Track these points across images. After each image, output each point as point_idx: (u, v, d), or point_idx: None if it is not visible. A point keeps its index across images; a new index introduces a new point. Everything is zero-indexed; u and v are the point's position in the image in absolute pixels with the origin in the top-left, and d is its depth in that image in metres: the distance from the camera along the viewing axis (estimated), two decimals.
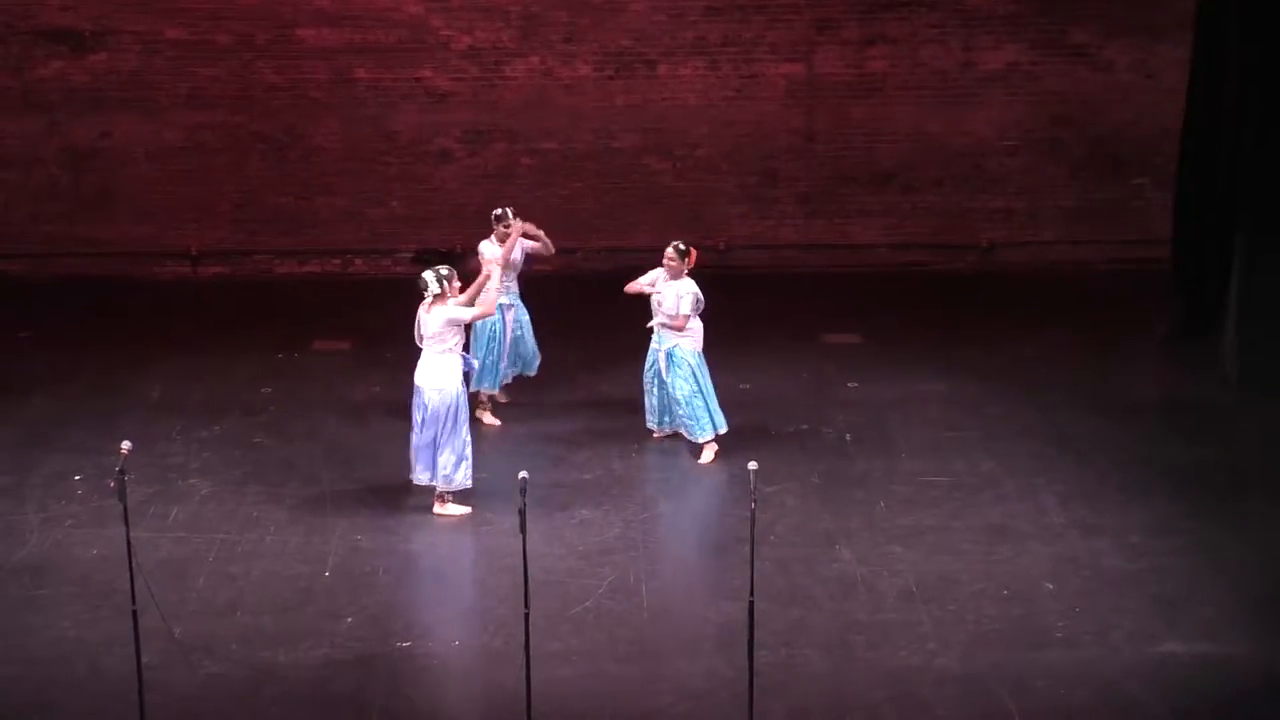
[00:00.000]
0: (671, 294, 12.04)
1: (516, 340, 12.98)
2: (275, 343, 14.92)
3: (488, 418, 12.87)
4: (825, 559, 10.77)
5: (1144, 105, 16.62)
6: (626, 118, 16.81)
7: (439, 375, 11.17)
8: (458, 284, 11.33)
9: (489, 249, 12.76)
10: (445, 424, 11.17)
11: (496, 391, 12.99)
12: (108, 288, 16.49)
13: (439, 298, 11.20)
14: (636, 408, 12.68)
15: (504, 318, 12.80)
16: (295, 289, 16.72)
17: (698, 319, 12.10)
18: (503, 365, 12.90)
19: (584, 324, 14.91)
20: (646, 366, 12.30)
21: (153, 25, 16.49)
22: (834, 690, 9.30)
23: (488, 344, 12.78)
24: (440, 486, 11.31)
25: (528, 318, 13.10)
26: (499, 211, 13.04)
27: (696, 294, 12.05)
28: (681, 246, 12.20)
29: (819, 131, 16.86)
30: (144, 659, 8.89)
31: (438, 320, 11.17)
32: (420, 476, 11.40)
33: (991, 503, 11.56)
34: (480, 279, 11.59)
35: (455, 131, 16.86)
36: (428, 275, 11.25)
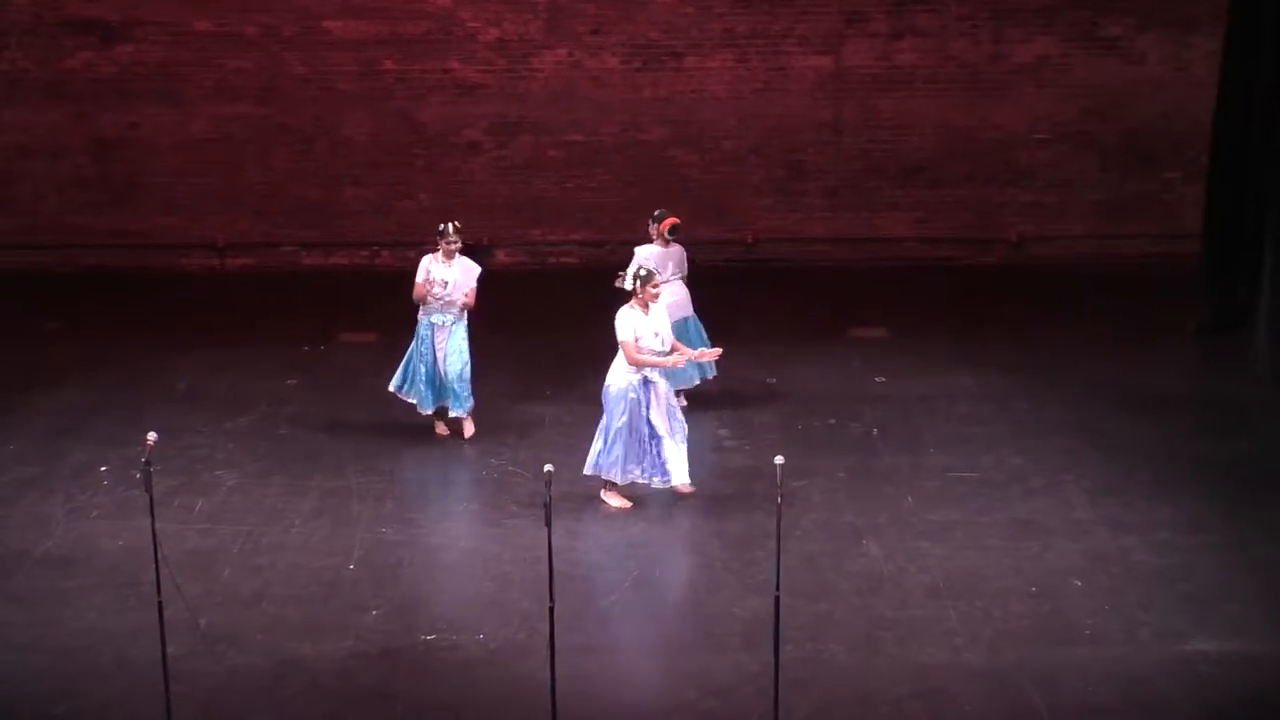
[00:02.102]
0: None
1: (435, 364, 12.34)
2: (301, 335, 14.96)
3: (439, 427, 12.58)
4: (852, 554, 10.75)
5: (1176, 98, 16.53)
6: (654, 110, 16.79)
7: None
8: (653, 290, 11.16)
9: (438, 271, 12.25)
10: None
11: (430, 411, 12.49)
12: (134, 279, 16.55)
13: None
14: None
15: (433, 336, 12.32)
16: (321, 281, 16.76)
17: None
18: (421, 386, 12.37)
19: (609, 316, 14.88)
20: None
21: (180, 16, 16.53)
22: (860, 686, 9.28)
23: (410, 360, 12.41)
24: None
25: (459, 350, 12.31)
26: (442, 227, 12.31)
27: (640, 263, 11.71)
28: (656, 212, 12.47)
29: (847, 124, 16.81)
30: (169, 650, 8.92)
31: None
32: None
33: (1019, 498, 11.52)
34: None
35: (482, 123, 16.86)
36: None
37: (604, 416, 11.23)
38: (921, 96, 16.69)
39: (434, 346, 12.28)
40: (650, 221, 12.83)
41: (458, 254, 12.19)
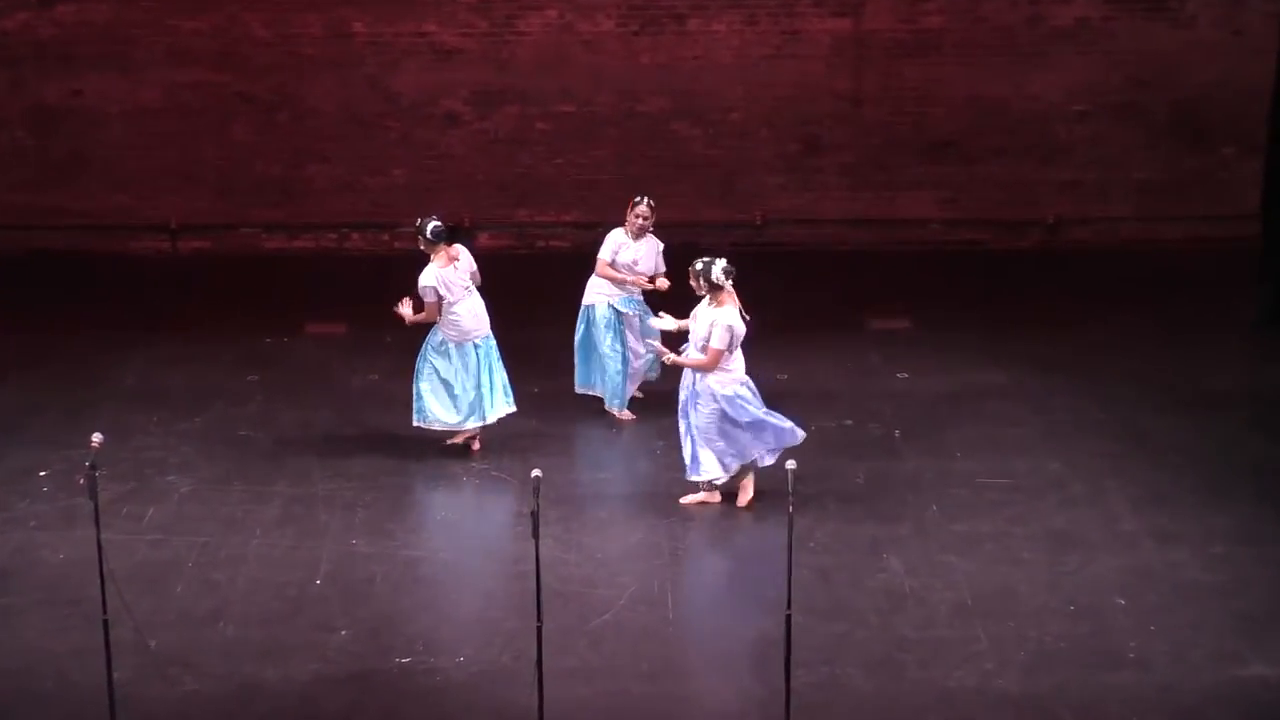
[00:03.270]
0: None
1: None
2: (263, 326, 14.96)
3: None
4: (871, 569, 10.75)
5: (1230, 65, 16.53)
6: (653, 78, 16.77)
7: None
8: None
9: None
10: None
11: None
12: (78, 263, 16.53)
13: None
14: (661, 399, 12.64)
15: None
16: (285, 266, 16.75)
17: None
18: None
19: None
20: None
21: None
22: (880, 714, 9.27)
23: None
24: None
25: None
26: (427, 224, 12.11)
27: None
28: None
29: (867, 94, 16.80)
30: (116, 673, 8.91)
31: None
32: None
33: (1056, 507, 11.53)
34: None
35: (463, 93, 16.85)
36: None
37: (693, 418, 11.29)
38: (950, 63, 16.69)
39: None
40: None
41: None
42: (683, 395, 11.47)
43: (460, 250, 12.11)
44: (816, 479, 11.75)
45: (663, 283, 12.73)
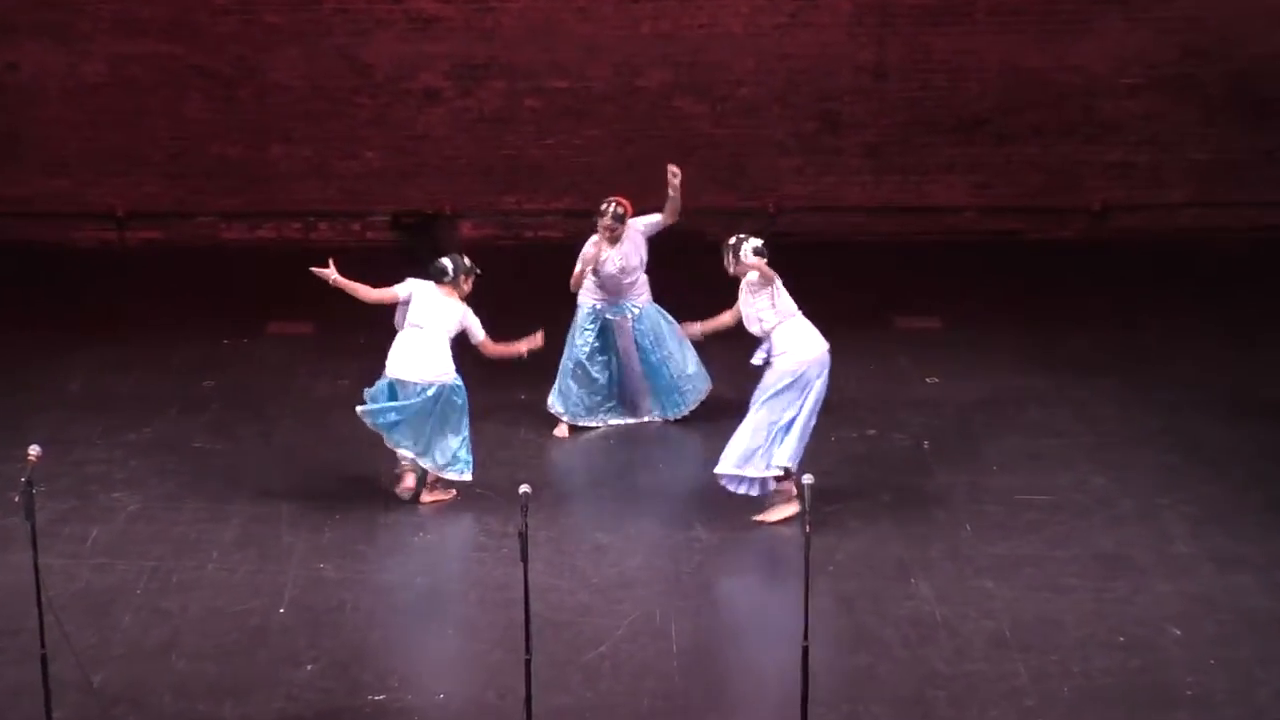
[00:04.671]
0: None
1: None
2: (220, 325, 14.95)
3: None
4: (898, 595, 10.74)
5: None
6: (654, 49, 16.77)
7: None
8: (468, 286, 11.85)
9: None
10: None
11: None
12: (13, 256, 16.52)
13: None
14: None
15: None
16: (246, 259, 16.76)
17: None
18: None
19: None
20: None
21: None
22: None
23: None
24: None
25: None
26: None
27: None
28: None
29: (892, 67, 16.79)
30: (55, 713, 8.89)
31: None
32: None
33: (1103, 527, 11.52)
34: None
35: (443, 66, 16.84)
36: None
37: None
38: (983, 32, 16.69)
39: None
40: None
41: None
42: (769, 390, 11.43)
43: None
44: (837, 495, 11.74)
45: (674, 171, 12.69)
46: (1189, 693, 9.72)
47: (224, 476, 12.27)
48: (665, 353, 12.87)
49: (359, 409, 11.78)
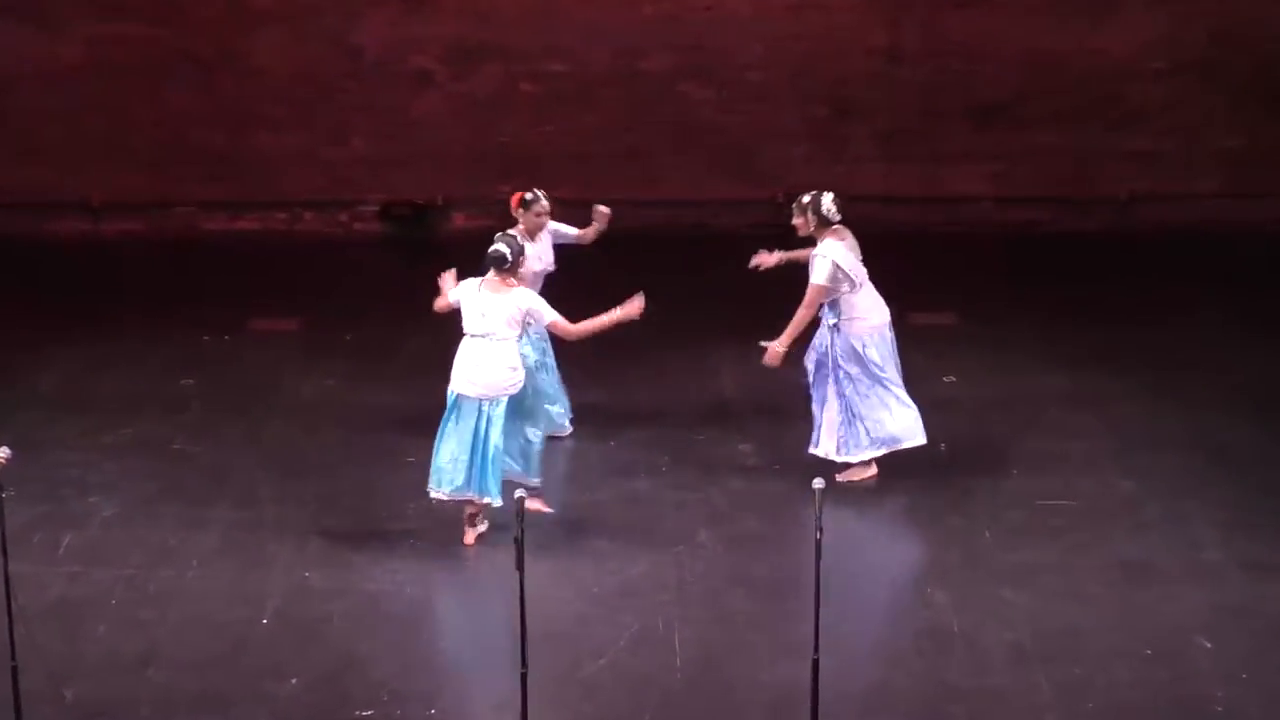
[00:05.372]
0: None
1: None
2: (201, 321, 14.93)
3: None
4: (913, 605, 10.75)
5: None
6: (657, 32, 16.78)
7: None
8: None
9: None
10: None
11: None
12: None
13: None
14: (662, 410, 12.63)
15: None
16: (228, 251, 16.76)
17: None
18: None
19: (600, 299, 14.82)
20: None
21: None
22: None
23: None
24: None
25: None
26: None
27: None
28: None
29: (906, 50, 16.80)
30: None
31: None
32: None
33: (1129, 533, 11.51)
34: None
35: (436, 48, 16.85)
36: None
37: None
38: (1002, 14, 16.71)
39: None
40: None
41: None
42: (811, 364, 11.94)
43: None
44: (848, 500, 11.72)
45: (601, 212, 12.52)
46: (1219, 708, 9.69)
47: (205, 480, 12.25)
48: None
49: (443, 495, 11.26)
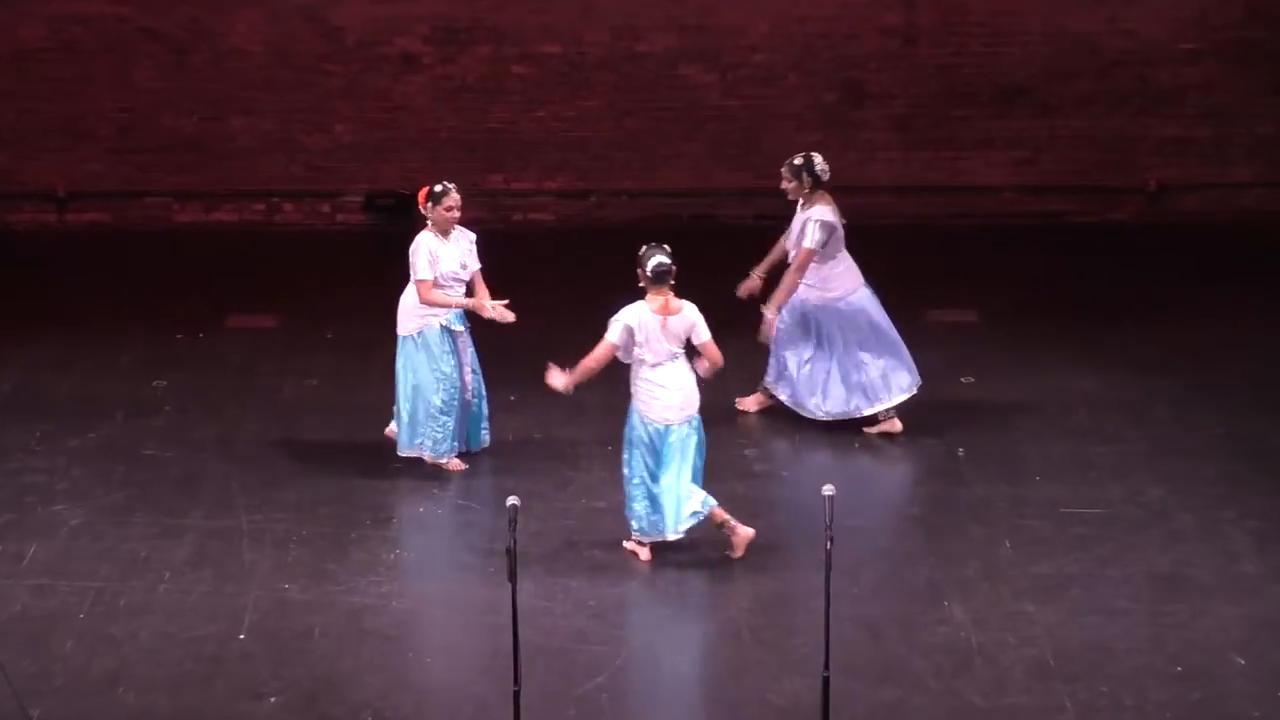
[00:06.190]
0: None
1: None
2: (173, 318, 14.94)
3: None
4: (929, 620, 10.74)
5: None
6: (657, 10, 16.77)
7: None
8: None
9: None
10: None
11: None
12: None
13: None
14: None
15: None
16: (201, 244, 16.74)
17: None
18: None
19: (598, 294, 14.84)
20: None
21: None
22: None
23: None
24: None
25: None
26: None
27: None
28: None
29: (923, 30, 16.80)
30: None
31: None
32: None
33: (1160, 544, 11.53)
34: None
35: (422, 28, 16.83)
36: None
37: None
38: None
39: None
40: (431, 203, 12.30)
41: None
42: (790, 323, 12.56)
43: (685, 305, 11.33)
44: (862, 508, 11.73)
45: (503, 314, 12.15)
46: None
47: (178, 487, 12.26)
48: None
49: (683, 528, 11.24)
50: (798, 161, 12.62)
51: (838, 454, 12.57)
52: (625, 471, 11.32)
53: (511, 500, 8.65)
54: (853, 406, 12.81)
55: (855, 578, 11.04)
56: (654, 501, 11.22)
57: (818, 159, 12.65)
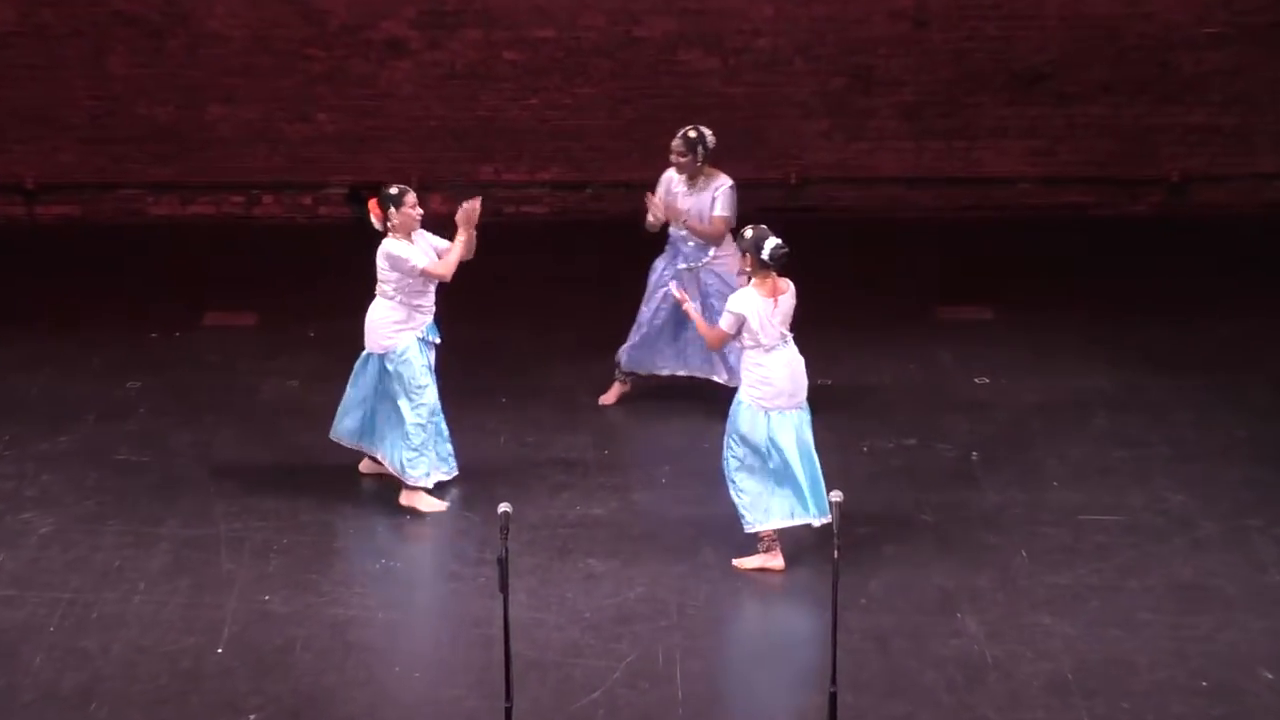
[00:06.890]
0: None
1: None
2: (148, 316, 14.96)
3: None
4: (941, 632, 10.75)
5: None
6: None
7: None
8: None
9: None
10: None
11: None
12: None
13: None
14: (664, 411, 12.64)
15: None
16: (177, 238, 16.75)
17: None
18: None
19: (594, 290, 14.89)
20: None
21: None
22: None
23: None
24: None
25: None
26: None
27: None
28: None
29: (934, 13, 16.81)
30: None
31: None
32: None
33: (1183, 553, 11.54)
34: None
35: (409, 12, 16.85)
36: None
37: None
38: None
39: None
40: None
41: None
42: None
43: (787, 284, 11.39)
44: (870, 515, 11.75)
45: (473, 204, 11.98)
46: None
47: (152, 494, 12.27)
48: None
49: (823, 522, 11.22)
50: (692, 134, 12.83)
51: (845, 457, 12.56)
52: (731, 464, 11.31)
53: (503, 507, 8.66)
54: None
55: (863, 588, 11.06)
56: (777, 482, 11.23)
57: (708, 132, 12.86)
